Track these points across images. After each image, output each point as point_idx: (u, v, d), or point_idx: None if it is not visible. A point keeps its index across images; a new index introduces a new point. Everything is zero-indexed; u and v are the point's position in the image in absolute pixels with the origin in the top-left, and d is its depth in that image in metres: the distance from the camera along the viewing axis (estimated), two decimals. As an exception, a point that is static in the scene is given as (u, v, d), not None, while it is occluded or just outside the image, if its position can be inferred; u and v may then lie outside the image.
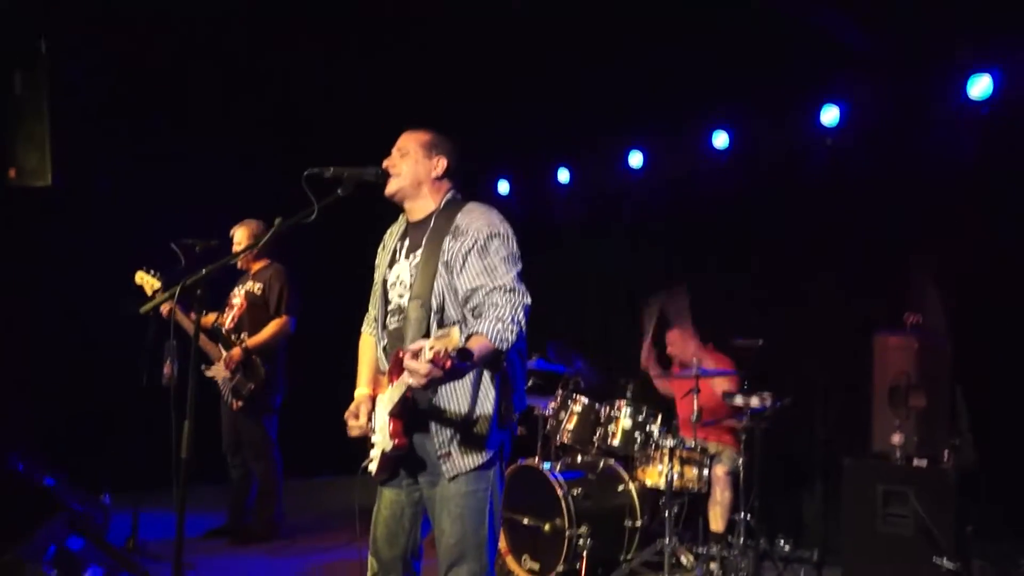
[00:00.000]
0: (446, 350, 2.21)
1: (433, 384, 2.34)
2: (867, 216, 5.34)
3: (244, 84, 6.57)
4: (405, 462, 2.73)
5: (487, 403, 2.67)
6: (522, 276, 2.66)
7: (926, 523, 4.12)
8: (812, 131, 5.56)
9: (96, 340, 6.35)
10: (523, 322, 2.54)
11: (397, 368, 2.53)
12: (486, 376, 2.66)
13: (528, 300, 2.61)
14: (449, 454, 2.64)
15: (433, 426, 2.64)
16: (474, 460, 2.65)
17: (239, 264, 5.40)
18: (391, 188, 2.79)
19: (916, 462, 4.38)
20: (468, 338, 2.45)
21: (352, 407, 2.81)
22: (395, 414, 2.59)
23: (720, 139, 6.00)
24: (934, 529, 4.07)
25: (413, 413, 2.63)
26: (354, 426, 2.78)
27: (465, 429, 2.64)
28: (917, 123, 5.15)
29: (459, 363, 2.27)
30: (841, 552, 4.78)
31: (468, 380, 2.62)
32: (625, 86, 6.06)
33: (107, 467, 5.16)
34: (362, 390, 2.87)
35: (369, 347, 2.97)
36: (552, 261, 6.58)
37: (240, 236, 5.29)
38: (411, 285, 2.72)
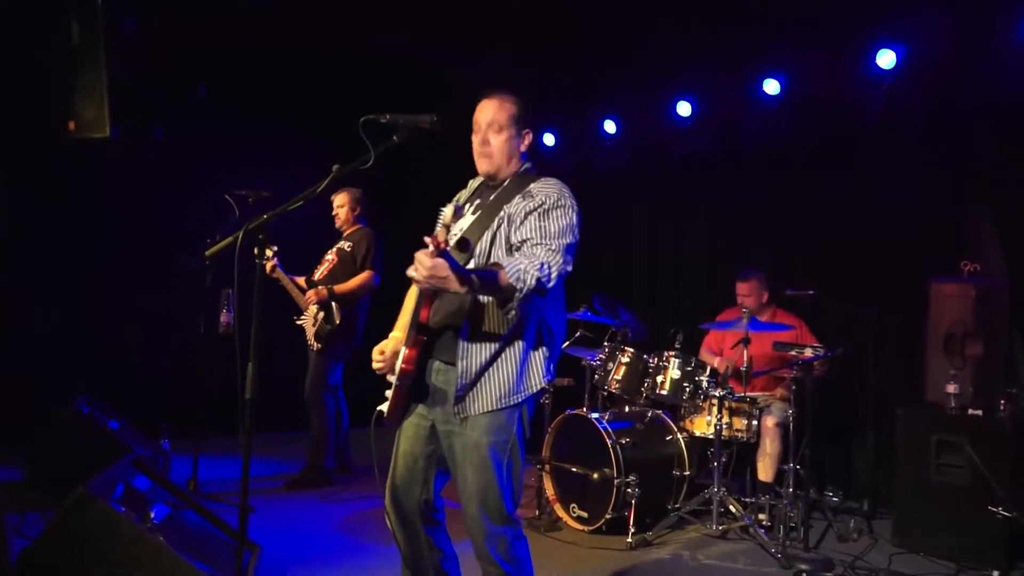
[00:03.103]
0: (445, 237, 2.32)
1: (433, 279, 2.33)
2: (923, 160, 5.21)
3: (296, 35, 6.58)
4: (421, 404, 2.81)
5: (513, 354, 2.71)
6: (572, 250, 2.68)
7: (982, 472, 4.07)
8: (867, 74, 5.40)
9: (156, 290, 6.49)
10: (552, 278, 2.55)
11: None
12: (519, 330, 2.71)
13: (568, 268, 2.64)
14: (463, 397, 2.69)
15: (457, 368, 2.68)
16: (486, 403, 2.69)
17: (336, 224, 5.75)
18: (488, 169, 2.84)
19: (971, 412, 4.32)
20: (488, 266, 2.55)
21: (382, 343, 2.89)
22: (410, 343, 2.68)
23: (771, 86, 5.89)
24: (990, 478, 4.02)
25: (430, 350, 2.73)
26: (378, 360, 2.85)
27: (486, 374, 2.69)
28: (974, 63, 4.97)
29: (443, 252, 2.32)
30: (892, 503, 4.77)
31: (499, 329, 2.68)
32: (672, 32, 5.96)
33: (166, 414, 5.29)
34: (396, 333, 2.93)
35: (413, 296, 3.00)
36: (598, 213, 6.54)
37: (341, 200, 5.68)
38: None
